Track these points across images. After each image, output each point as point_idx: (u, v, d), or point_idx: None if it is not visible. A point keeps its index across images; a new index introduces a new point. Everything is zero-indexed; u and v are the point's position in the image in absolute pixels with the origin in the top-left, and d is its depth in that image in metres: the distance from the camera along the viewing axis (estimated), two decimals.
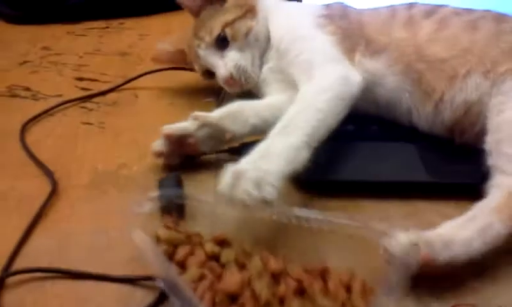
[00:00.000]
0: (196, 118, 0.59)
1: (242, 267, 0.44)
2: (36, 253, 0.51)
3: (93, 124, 0.70)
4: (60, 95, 0.76)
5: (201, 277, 0.42)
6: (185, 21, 0.97)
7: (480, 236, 0.46)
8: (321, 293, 0.41)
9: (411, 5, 0.63)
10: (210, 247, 0.45)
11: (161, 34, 0.95)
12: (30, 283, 0.48)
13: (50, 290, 0.47)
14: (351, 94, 0.57)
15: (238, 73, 0.64)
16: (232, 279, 0.42)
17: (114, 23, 0.98)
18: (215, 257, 0.45)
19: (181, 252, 0.45)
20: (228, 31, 0.65)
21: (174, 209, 0.49)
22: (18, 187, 0.59)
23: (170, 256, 0.45)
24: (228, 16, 0.66)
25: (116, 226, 0.53)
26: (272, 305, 0.41)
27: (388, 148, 0.59)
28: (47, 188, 0.58)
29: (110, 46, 0.90)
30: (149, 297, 0.46)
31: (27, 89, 0.79)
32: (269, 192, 0.46)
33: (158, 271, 0.43)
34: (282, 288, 0.41)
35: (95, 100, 0.75)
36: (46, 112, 0.72)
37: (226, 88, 0.66)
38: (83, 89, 0.78)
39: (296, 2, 0.68)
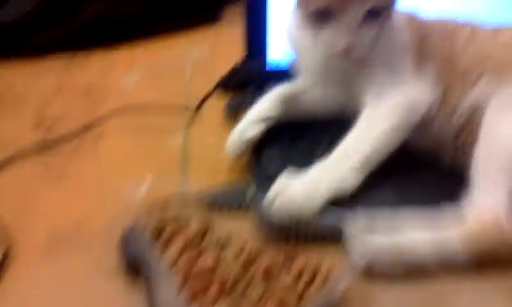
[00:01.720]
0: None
1: (222, 248, 0.50)
2: None
3: (52, 170, 0.66)
4: (19, 141, 0.72)
5: (181, 253, 0.48)
6: (151, 51, 0.96)
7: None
8: (283, 280, 0.47)
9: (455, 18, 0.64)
10: (196, 226, 0.51)
11: (126, 67, 0.91)
12: None
13: None
14: (415, 118, 0.58)
15: (362, 51, 0.57)
16: (208, 257, 0.48)
17: (78, 58, 0.94)
18: (200, 236, 0.51)
19: (168, 229, 0.51)
20: (386, 13, 0.57)
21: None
22: None
23: (157, 235, 0.50)
24: None
25: (77, 290, 0.51)
26: (238, 284, 0.46)
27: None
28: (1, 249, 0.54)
29: (73, 83, 0.86)
30: None
31: None
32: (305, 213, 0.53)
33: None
34: (251, 272, 0.47)
35: (55, 145, 0.71)
36: (2, 162, 0.68)
37: (337, 50, 0.57)
38: (44, 133, 0.74)
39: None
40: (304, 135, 0.66)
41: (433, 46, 0.61)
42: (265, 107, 0.66)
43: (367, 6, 0.54)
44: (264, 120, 0.65)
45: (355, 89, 0.61)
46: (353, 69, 0.60)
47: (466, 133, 0.58)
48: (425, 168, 0.60)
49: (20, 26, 0.94)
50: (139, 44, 0.98)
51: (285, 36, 0.67)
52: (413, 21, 0.63)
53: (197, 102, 0.79)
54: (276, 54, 0.76)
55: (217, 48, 0.96)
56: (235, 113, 0.72)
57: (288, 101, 0.66)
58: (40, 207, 0.61)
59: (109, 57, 0.94)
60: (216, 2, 1.05)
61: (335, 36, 0.56)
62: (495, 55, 0.58)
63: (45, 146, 0.71)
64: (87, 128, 0.74)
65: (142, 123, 0.75)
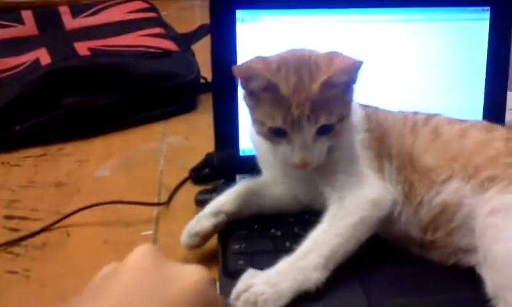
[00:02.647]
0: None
1: None
2: None
3: (18, 273, 0.65)
4: None
5: None
6: (126, 141, 0.97)
7: None
8: None
9: (415, 112, 0.65)
10: None
11: (101, 158, 0.91)
12: None
13: None
14: (378, 218, 0.58)
15: (317, 163, 0.58)
16: None
17: (53, 149, 0.94)
18: None
19: None
20: (338, 126, 0.58)
21: None
22: None
23: None
24: (346, 109, 0.59)
25: None
26: None
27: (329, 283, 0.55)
28: None
29: (46, 176, 0.86)
30: None
31: None
32: None
33: None
34: None
35: (23, 242, 0.70)
36: None
37: (293, 164, 0.58)
38: (12, 229, 0.73)
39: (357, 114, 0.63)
40: (271, 227, 0.65)
41: (393, 141, 0.62)
42: (222, 201, 0.66)
43: (318, 125, 0.56)
44: (217, 214, 0.64)
45: (317, 188, 0.62)
46: (313, 172, 0.61)
47: (434, 228, 0.58)
48: (393, 261, 0.59)
49: None
50: (115, 134, 0.99)
51: (248, 135, 0.68)
52: (372, 116, 0.64)
53: (169, 194, 0.78)
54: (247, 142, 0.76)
55: (191, 136, 0.97)
56: (204, 205, 0.72)
57: (250, 196, 0.66)
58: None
59: (83, 149, 0.94)
60: (192, 92, 1.07)
61: (290, 152, 0.58)
62: (463, 157, 0.59)
63: (13, 241, 0.70)
64: (56, 223, 0.73)
65: (113, 218, 0.74)
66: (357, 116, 0.63)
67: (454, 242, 0.57)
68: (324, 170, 0.60)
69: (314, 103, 0.55)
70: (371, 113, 0.64)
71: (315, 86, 0.55)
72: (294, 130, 0.56)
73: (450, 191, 0.57)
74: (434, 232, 0.58)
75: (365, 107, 0.65)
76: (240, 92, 0.61)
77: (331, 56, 0.58)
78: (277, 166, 0.65)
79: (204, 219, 0.64)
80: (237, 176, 0.75)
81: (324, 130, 0.57)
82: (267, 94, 0.57)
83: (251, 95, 0.59)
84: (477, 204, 0.56)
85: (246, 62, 0.58)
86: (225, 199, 0.65)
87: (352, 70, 0.57)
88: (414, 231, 0.59)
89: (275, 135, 0.58)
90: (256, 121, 0.60)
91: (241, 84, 0.59)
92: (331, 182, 0.60)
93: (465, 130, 0.61)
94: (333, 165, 0.60)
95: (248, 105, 0.60)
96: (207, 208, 0.65)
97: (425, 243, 0.59)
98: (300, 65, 0.57)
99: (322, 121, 0.56)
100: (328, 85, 0.56)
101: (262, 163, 0.68)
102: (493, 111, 0.75)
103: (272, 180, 0.67)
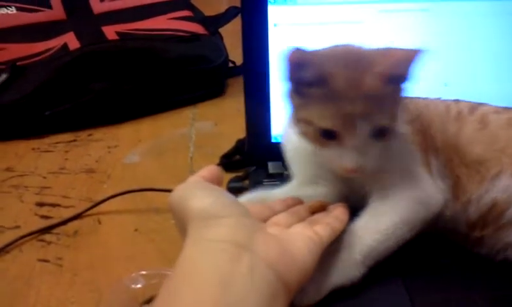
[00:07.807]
0: None
1: None
2: None
3: (50, 261, 0.65)
4: (18, 226, 0.71)
5: None
6: (156, 128, 0.96)
7: None
8: None
9: (457, 100, 0.61)
10: None
11: (131, 144, 0.91)
12: None
13: None
14: (423, 219, 0.54)
15: (369, 170, 0.52)
16: None
17: (82, 135, 0.94)
18: None
19: None
20: (391, 129, 0.52)
21: None
22: None
23: None
24: (397, 109, 0.52)
25: None
26: None
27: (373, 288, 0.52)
28: None
29: (76, 162, 0.86)
30: None
31: None
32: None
33: None
34: None
35: (55, 230, 0.70)
36: (1, 250, 0.66)
37: (342, 170, 0.52)
38: (43, 217, 0.73)
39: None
40: None
41: (437, 132, 0.58)
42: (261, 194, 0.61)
43: (373, 125, 0.50)
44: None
45: (361, 189, 0.57)
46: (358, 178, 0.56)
47: (482, 225, 0.55)
48: (437, 255, 0.57)
49: (20, 106, 0.94)
50: (144, 120, 0.98)
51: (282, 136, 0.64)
52: (410, 106, 0.59)
53: None
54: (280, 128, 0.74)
55: (220, 122, 0.96)
56: (236, 193, 0.70)
57: None
58: (34, 301, 0.59)
59: (113, 134, 0.94)
60: (220, 76, 1.06)
61: (342, 157, 0.51)
62: (511, 148, 0.55)
63: (44, 232, 0.70)
64: (87, 211, 0.72)
65: (143, 206, 0.73)
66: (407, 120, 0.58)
67: (503, 238, 0.54)
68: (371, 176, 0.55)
69: (369, 99, 0.49)
70: (408, 103, 0.58)
71: (372, 81, 0.49)
72: (346, 131, 0.50)
73: (499, 188, 0.54)
74: (482, 229, 0.55)
75: (410, 110, 0.59)
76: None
77: (386, 49, 0.52)
78: (315, 169, 0.59)
79: None
80: (269, 163, 0.74)
81: (379, 133, 0.51)
82: (316, 89, 0.50)
83: (297, 91, 0.53)
84: None
85: (297, 47, 0.50)
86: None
87: (411, 61, 0.50)
88: (461, 228, 0.56)
89: (324, 137, 0.51)
90: (302, 121, 0.53)
91: (289, 73, 0.52)
92: (378, 181, 0.55)
93: None
94: (382, 165, 0.54)
95: (292, 103, 0.54)
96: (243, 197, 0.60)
97: (473, 239, 0.56)
98: (351, 59, 0.51)
99: (377, 120, 0.50)
100: (386, 79, 0.49)
101: (296, 164, 0.62)
102: None
103: (304, 181, 0.61)
